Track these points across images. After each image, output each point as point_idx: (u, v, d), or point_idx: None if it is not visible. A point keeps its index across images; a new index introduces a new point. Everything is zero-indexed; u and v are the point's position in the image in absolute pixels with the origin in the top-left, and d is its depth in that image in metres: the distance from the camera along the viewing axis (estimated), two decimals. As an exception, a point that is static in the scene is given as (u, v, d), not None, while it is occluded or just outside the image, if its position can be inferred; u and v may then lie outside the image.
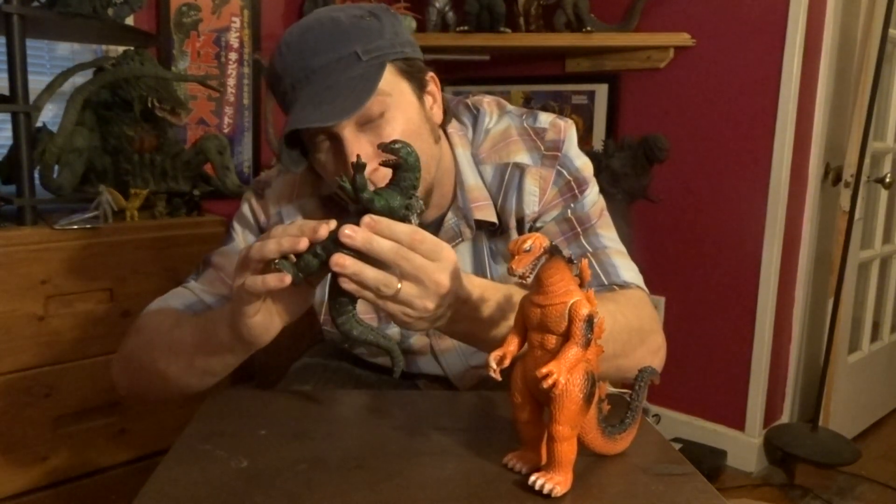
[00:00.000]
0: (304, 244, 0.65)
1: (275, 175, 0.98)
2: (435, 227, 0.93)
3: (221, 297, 0.92)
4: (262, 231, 0.96)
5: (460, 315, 0.73)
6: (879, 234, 2.62)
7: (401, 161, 0.66)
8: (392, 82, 0.82)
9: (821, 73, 2.15)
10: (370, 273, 0.65)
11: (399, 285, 0.66)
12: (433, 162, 0.88)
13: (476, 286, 0.75)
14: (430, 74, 0.89)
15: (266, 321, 0.72)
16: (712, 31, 2.18)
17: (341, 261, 0.64)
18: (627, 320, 0.84)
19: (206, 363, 0.81)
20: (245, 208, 0.98)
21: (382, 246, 0.64)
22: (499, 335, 0.75)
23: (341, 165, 0.81)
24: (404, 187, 0.67)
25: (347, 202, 0.69)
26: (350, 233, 0.64)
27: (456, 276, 0.69)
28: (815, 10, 2.06)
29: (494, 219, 0.93)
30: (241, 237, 0.97)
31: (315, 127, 0.79)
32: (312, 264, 0.66)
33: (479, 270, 0.96)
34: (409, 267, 0.66)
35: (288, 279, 0.65)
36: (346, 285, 0.66)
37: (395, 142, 0.66)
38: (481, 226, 0.94)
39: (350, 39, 0.80)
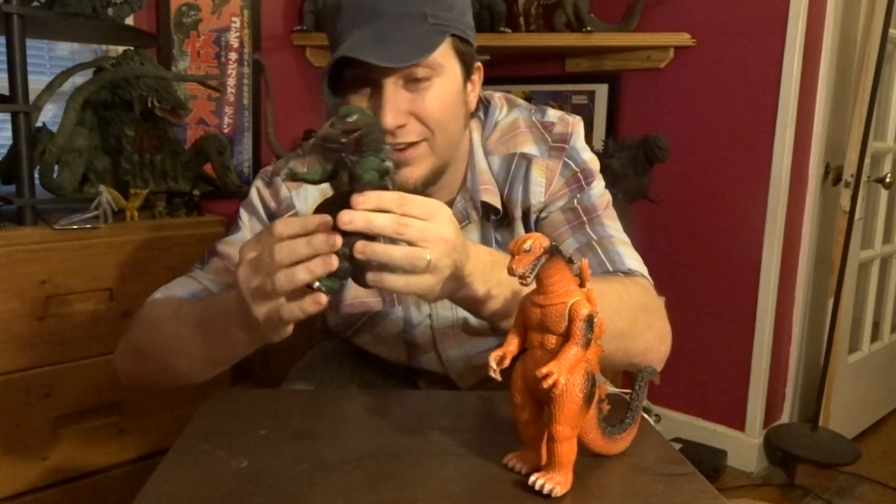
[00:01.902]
0: (334, 261, 0.63)
1: (283, 164, 0.98)
2: None
3: (227, 287, 0.92)
4: (270, 218, 0.95)
5: (463, 275, 0.72)
6: (879, 234, 2.62)
7: (359, 125, 0.64)
8: (446, 55, 0.83)
9: (821, 73, 2.15)
10: (398, 253, 0.64)
11: (429, 256, 0.65)
12: (455, 143, 0.89)
13: (472, 246, 0.74)
14: (479, 65, 0.91)
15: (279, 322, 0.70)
16: (712, 31, 2.18)
17: (366, 249, 0.63)
18: (635, 300, 0.83)
19: (220, 356, 0.80)
20: (253, 195, 0.98)
21: (383, 221, 0.63)
22: (500, 303, 0.75)
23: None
24: (376, 148, 0.65)
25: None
26: (349, 219, 0.62)
27: (457, 228, 0.69)
28: (815, 10, 2.06)
29: (499, 205, 0.94)
30: (249, 226, 0.97)
31: (370, 63, 0.77)
32: (347, 269, 0.65)
33: None
34: (412, 233, 0.64)
35: (324, 299, 0.64)
36: (376, 278, 0.64)
37: (342, 110, 0.64)
38: (486, 211, 0.95)
39: None
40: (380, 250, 0.63)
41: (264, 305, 0.66)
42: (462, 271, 0.71)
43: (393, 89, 0.80)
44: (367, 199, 0.63)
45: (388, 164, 0.66)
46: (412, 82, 0.81)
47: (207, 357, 0.81)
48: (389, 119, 0.80)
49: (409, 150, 0.84)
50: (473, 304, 0.76)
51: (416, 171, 0.85)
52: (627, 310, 0.81)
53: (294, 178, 0.67)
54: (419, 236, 0.65)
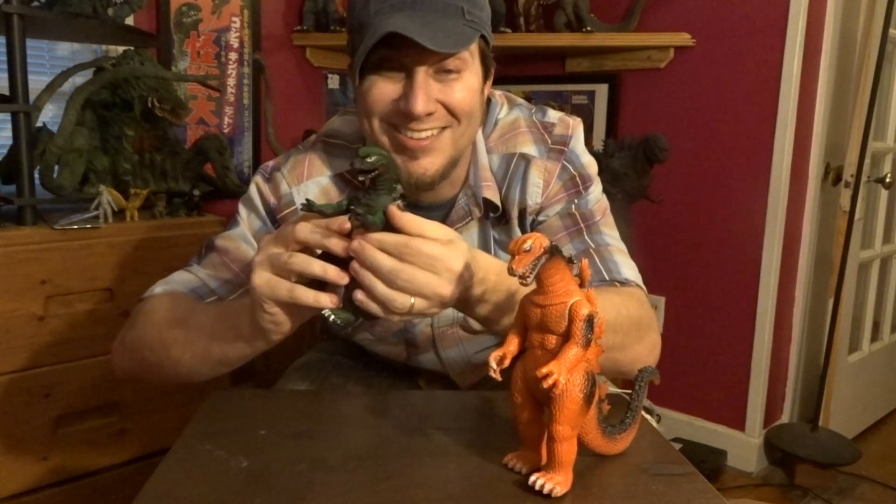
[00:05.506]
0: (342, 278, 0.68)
1: (283, 160, 0.98)
2: (447, 207, 0.94)
3: (224, 282, 0.92)
4: (269, 214, 0.96)
5: (485, 295, 0.74)
6: (879, 234, 2.62)
7: (377, 165, 0.66)
8: (474, 53, 0.85)
9: (821, 73, 2.15)
10: (380, 289, 0.67)
11: (412, 300, 0.67)
12: (471, 138, 0.90)
13: (481, 258, 0.76)
14: (492, 69, 0.91)
15: (283, 319, 0.73)
16: (712, 31, 2.18)
17: (358, 272, 0.67)
18: (629, 313, 0.84)
19: (223, 352, 0.80)
20: (252, 191, 0.98)
21: (382, 263, 0.66)
22: (493, 307, 0.77)
23: (392, 103, 0.82)
24: (389, 188, 0.68)
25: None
26: (353, 246, 0.67)
27: (457, 278, 0.69)
28: (815, 10, 2.06)
29: (498, 202, 0.94)
30: (247, 222, 0.96)
31: (406, 46, 0.77)
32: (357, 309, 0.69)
33: None
34: (406, 286, 0.67)
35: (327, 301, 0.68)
36: (362, 299, 0.68)
37: (362, 150, 0.67)
38: (486, 209, 0.95)
39: None
40: (367, 280, 0.66)
41: (275, 293, 0.69)
42: (468, 293, 0.73)
43: (424, 77, 0.81)
44: (364, 247, 0.66)
45: (399, 202, 0.69)
46: (442, 73, 0.82)
47: (212, 353, 0.81)
48: (420, 105, 0.80)
49: (431, 139, 0.84)
50: (482, 321, 0.79)
51: (435, 162, 0.86)
52: (622, 325, 0.82)
53: (310, 208, 0.70)
54: (413, 289, 0.67)
